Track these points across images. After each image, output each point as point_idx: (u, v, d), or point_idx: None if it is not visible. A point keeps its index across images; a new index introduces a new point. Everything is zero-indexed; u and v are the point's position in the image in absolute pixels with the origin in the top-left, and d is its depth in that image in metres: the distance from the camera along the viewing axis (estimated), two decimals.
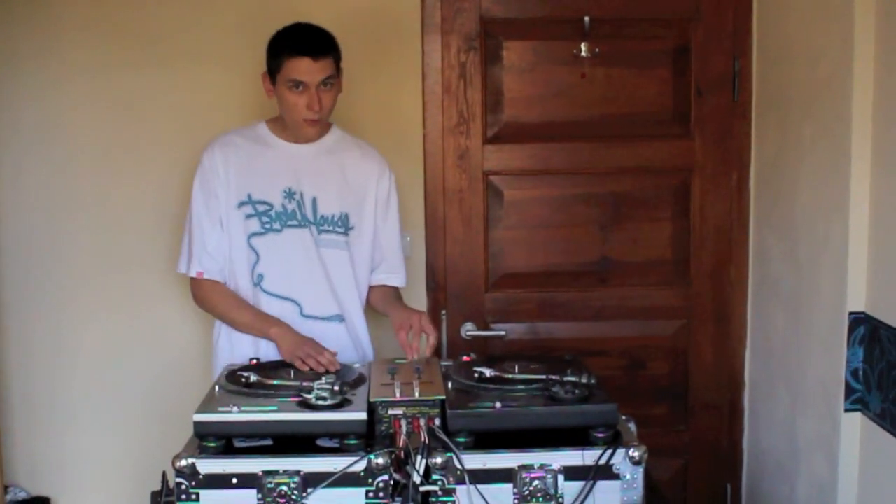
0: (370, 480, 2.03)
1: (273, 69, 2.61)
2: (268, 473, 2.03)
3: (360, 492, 2.03)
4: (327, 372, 2.37)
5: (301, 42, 2.57)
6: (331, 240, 2.71)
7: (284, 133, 2.70)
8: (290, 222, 2.68)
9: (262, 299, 2.69)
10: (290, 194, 2.68)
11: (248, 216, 2.67)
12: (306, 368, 2.41)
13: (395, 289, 2.87)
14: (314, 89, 2.57)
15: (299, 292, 2.70)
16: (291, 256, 2.69)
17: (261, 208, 2.67)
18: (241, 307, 2.68)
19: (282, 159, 2.70)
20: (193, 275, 2.69)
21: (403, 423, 2.13)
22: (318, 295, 2.71)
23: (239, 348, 2.69)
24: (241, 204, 2.67)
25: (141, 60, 3.14)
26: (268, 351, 2.63)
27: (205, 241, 2.67)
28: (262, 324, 2.64)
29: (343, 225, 2.72)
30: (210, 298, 2.71)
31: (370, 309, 2.84)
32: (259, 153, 2.70)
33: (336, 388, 2.14)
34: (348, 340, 2.75)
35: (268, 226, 2.67)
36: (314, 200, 2.70)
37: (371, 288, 2.83)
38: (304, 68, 2.55)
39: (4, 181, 3.17)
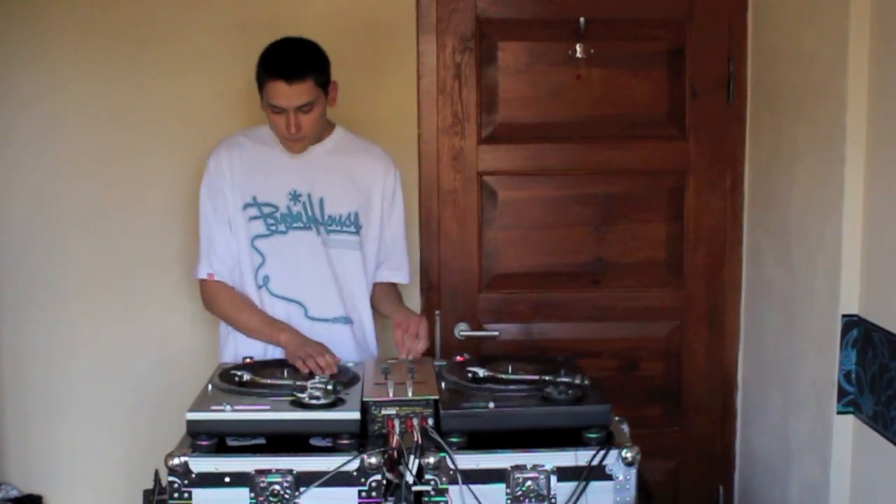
0: (363, 480, 2.03)
1: (258, 86, 2.59)
2: (260, 472, 2.03)
3: (352, 491, 2.04)
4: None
5: (278, 64, 2.54)
6: (341, 240, 2.71)
7: None
8: (295, 224, 2.67)
9: (267, 301, 2.68)
10: (295, 196, 2.68)
11: (252, 218, 2.66)
12: (306, 370, 2.39)
13: (396, 288, 2.87)
14: (291, 112, 2.55)
15: (305, 294, 2.69)
16: (298, 258, 2.68)
17: (266, 210, 2.67)
18: (249, 311, 2.67)
19: (287, 160, 2.69)
20: (204, 277, 2.68)
21: (396, 422, 2.13)
22: (324, 296, 2.71)
23: (245, 351, 2.66)
24: (247, 206, 2.66)
25: (136, 65, 3.14)
26: (274, 354, 2.63)
27: (214, 243, 2.67)
28: (270, 329, 2.63)
29: (353, 224, 2.72)
30: (218, 301, 2.70)
31: (372, 307, 2.82)
32: (265, 154, 2.69)
33: (329, 387, 2.14)
34: (353, 342, 2.74)
35: (273, 228, 2.67)
36: (321, 201, 2.69)
37: (374, 285, 2.82)
38: (280, 93, 2.53)
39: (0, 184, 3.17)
